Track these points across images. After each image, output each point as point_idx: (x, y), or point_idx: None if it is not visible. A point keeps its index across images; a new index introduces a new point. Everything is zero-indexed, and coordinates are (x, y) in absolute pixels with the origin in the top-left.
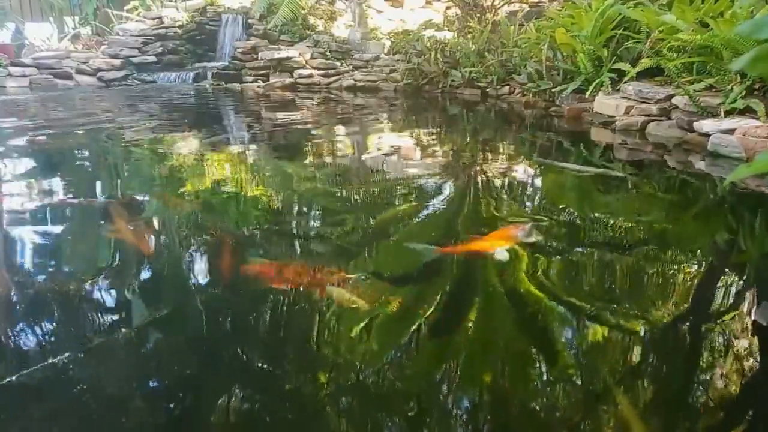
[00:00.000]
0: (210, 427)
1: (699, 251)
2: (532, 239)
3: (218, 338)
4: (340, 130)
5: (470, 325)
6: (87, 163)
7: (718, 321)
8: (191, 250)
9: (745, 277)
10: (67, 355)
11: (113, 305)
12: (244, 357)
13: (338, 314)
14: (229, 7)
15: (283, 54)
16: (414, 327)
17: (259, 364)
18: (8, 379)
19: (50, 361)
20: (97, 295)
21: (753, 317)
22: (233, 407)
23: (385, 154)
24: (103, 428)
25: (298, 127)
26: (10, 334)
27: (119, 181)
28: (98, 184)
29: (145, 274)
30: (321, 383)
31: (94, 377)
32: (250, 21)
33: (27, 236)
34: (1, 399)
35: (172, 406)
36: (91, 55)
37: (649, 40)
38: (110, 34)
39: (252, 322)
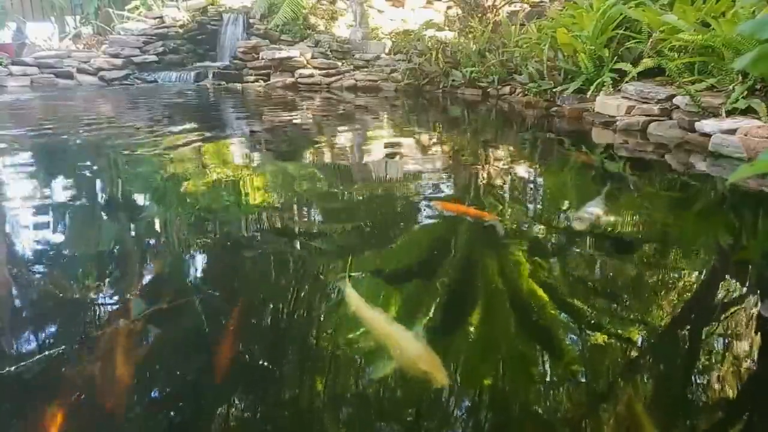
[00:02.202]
0: None
1: (701, 250)
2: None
3: None
4: (344, 129)
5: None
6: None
7: (723, 320)
8: None
9: (747, 276)
10: None
11: None
12: None
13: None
14: (230, 7)
15: (284, 54)
16: None
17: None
18: None
19: None
20: None
21: (759, 314)
22: None
23: (387, 154)
24: None
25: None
26: None
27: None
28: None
29: None
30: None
31: None
32: (251, 21)
33: None
34: None
35: None
36: (92, 54)
37: (651, 40)
38: (111, 34)
39: None
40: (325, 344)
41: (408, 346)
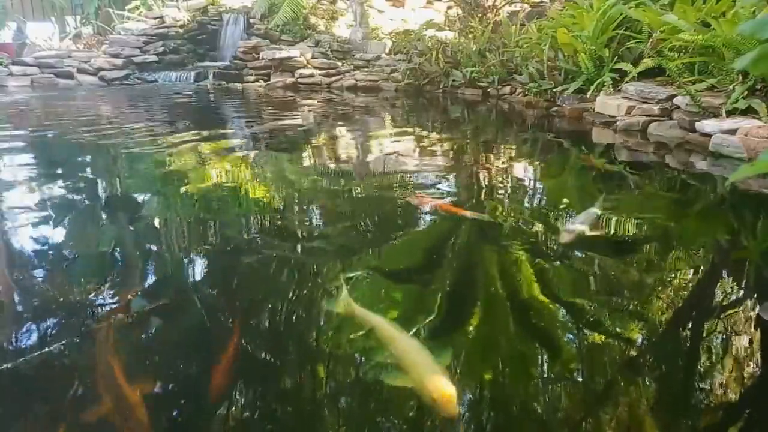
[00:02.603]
0: None
1: (702, 251)
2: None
3: None
4: (344, 130)
5: None
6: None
7: (723, 321)
8: None
9: (746, 276)
10: None
11: None
12: None
13: None
14: (230, 7)
15: (284, 54)
16: None
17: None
18: None
19: None
20: None
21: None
22: None
23: (386, 155)
24: None
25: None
26: None
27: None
28: None
29: None
30: None
31: None
32: (251, 21)
33: None
34: None
35: None
36: (92, 54)
37: (651, 40)
38: (112, 34)
39: None
40: (326, 347)
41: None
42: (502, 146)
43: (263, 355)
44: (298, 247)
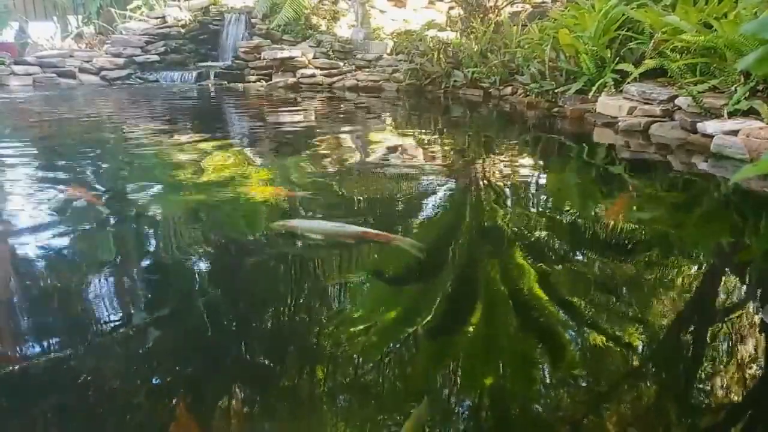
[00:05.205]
0: None
1: (704, 252)
2: None
3: None
4: (345, 130)
5: None
6: None
7: (725, 323)
8: None
9: (749, 278)
10: None
11: None
12: None
13: None
14: (232, 7)
15: (285, 54)
16: None
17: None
18: None
19: None
20: None
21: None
22: None
23: (387, 153)
24: None
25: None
26: None
27: None
28: None
29: None
30: None
31: None
32: (253, 20)
33: None
34: None
35: None
36: (94, 54)
37: (653, 40)
38: (113, 33)
39: None
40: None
41: None
42: (502, 147)
43: None
44: (302, 247)
